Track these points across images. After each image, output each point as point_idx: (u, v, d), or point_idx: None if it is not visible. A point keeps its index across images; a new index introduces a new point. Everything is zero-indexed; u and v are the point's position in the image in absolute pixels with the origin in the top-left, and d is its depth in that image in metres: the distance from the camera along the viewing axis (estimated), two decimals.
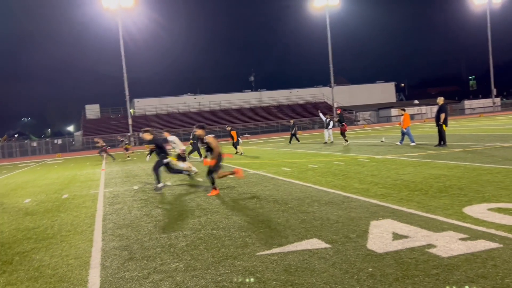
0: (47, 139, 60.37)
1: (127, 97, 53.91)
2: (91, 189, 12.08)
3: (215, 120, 61.29)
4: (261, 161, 16.42)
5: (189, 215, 7.25)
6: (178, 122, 61.70)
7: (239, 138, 22.30)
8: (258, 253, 4.82)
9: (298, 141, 27.08)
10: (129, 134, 53.11)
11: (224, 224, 6.37)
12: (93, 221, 7.42)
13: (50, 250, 5.71)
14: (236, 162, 16.23)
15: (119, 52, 51.92)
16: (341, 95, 68.58)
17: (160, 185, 10.40)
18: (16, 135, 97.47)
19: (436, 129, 16.14)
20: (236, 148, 22.03)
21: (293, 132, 27.04)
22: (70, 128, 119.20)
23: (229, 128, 22.86)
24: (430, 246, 4.59)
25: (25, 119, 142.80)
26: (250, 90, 79.79)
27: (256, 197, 8.44)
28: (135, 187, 11.53)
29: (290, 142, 27.01)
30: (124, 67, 52.35)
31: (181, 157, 12.78)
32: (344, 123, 22.29)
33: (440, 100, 16.20)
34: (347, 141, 21.88)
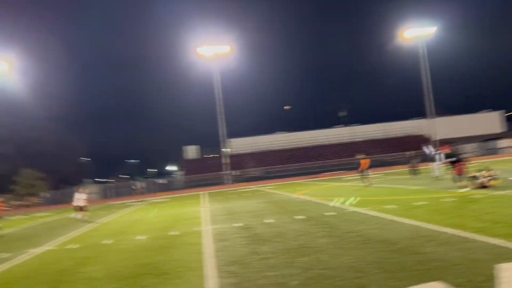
0: (149, 179, 64.71)
1: (221, 138, 56.40)
2: (196, 226, 12.64)
3: (306, 156, 61.40)
4: (362, 198, 15.96)
5: (295, 253, 7.24)
6: (271, 159, 62.79)
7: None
8: None
9: (415, 174, 25.56)
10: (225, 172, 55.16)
11: (333, 264, 6.25)
12: (202, 258, 7.72)
13: (168, 285, 6.04)
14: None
15: (215, 96, 55.00)
16: (440, 127, 64.93)
17: None
18: (124, 176, 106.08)
19: None
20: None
21: (413, 164, 26.30)
22: (171, 168, 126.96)
23: (360, 156, 23.44)
24: None
25: (130, 160, 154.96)
26: (342, 125, 78.96)
27: (361, 236, 8.18)
28: (239, 224, 11.83)
29: (414, 174, 25.73)
30: (218, 109, 55.18)
31: None
32: (459, 161, 15.44)
33: None
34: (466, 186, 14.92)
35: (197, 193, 41.82)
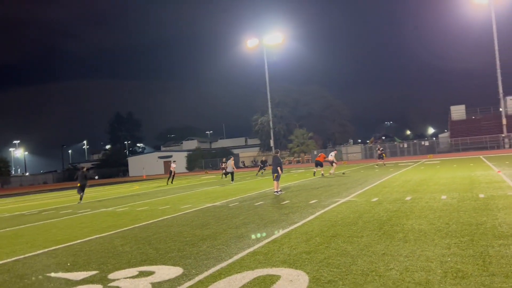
0: (415, 141, 62.62)
1: (501, 95, 49.24)
2: (505, 191, 11.26)
3: None
4: None
5: None
6: None
7: None
8: None
9: None
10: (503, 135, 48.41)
11: None
12: None
13: None
14: None
15: (491, 47, 48.08)
16: None
17: None
18: (383, 138, 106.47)
19: None
20: None
21: None
22: (430, 130, 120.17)
23: None
24: None
25: (388, 122, 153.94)
26: None
27: None
28: None
29: None
30: (497, 62, 48.11)
31: None
32: None
33: None
34: None
35: (468, 157, 38.12)
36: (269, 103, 61.93)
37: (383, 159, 32.82)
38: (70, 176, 74.19)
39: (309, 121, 68.04)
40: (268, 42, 59.20)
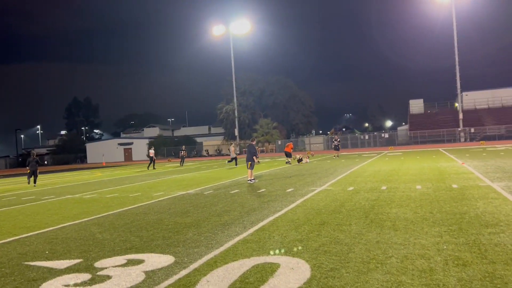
0: (375, 133, 64.18)
1: (459, 90, 51.23)
2: (474, 181, 11.65)
3: None
4: None
5: None
6: None
7: None
8: None
9: None
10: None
11: None
12: None
13: (507, 236, 5.55)
14: None
15: (450, 45, 49.82)
16: None
17: None
18: (343, 129, 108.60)
19: None
20: None
21: None
22: (389, 123, 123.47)
23: None
24: None
25: (348, 114, 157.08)
26: None
27: None
28: None
29: None
30: (456, 59, 49.94)
31: None
32: None
33: None
34: None
35: (428, 149, 39.50)
36: (235, 91, 61.55)
37: (339, 150, 32.65)
38: (24, 162, 71.01)
39: (274, 111, 68.21)
40: (235, 30, 58.63)
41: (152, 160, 32.91)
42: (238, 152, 28.86)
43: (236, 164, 28.17)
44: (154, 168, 32.28)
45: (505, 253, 4.90)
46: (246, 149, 16.11)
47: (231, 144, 30.71)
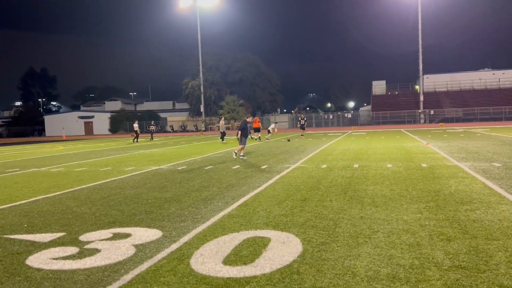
0: (339, 113, 65.29)
1: (421, 73, 52.69)
2: (442, 161, 12.13)
3: None
4: None
5: None
6: (472, 100, 56.55)
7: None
8: None
9: None
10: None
11: None
12: (493, 192, 7.28)
13: (482, 213, 5.84)
14: None
15: (414, 28, 50.89)
16: None
17: None
18: (307, 108, 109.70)
19: None
20: None
21: None
22: (351, 104, 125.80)
23: None
24: None
25: (311, 94, 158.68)
26: None
27: None
28: (497, 164, 10.92)
29: None
30: (420, 42, 51.13)
31: None
32: None
33: None
34: None
35: (390, 129, 40.64)
36: (201, 67, 60.61)
37: (304, 129, 32.67)
38: None
39: (240, 88, 67.87)
40: (203, 3, 57.32)
41: (137, 134, 33.42)
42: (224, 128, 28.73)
43: (223, 139, 28.30)
44: (137, 142, 32.65)
45: (484, 229, 5.17)
46: (241, 125, 15.55)
47: (221, 118, 30.46)
